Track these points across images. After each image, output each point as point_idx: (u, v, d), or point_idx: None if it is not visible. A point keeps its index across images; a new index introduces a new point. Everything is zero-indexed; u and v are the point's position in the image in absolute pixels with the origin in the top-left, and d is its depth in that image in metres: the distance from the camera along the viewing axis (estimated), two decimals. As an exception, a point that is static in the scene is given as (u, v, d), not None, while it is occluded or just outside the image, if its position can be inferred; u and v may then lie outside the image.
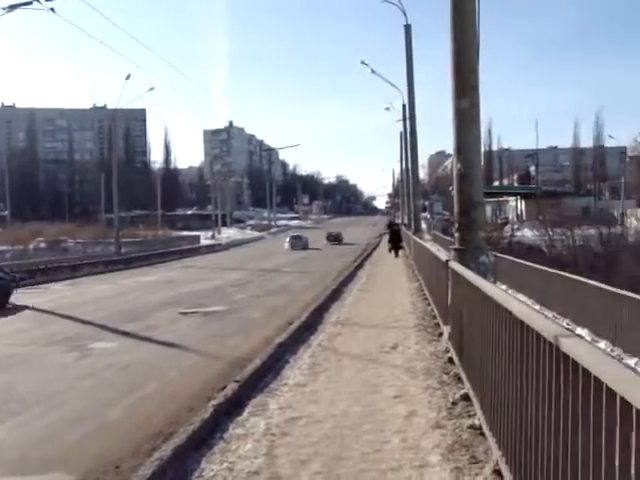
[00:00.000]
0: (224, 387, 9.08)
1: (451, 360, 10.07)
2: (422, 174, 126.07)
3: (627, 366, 10.33)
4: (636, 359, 14.40)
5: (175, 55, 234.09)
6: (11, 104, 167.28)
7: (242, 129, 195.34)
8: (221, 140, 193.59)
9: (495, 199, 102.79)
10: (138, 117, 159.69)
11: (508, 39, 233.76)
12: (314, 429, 7.26)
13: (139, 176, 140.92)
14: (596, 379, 2.89)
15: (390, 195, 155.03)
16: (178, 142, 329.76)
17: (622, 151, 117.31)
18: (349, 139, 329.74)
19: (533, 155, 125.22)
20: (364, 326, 14.70)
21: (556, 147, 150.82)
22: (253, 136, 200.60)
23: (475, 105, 10.87)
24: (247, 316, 18.20)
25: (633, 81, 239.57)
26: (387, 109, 55.25)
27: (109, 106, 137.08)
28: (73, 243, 58.93)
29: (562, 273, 23.27)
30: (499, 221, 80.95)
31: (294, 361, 11.16)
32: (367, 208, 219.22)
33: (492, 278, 23.57)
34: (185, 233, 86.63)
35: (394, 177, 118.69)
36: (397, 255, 41.01)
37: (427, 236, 53.63)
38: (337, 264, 37.32)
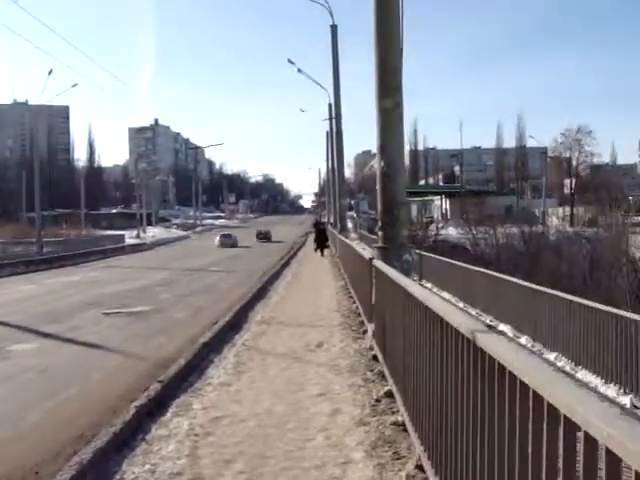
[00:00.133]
0: (147, 388, 8.97)
1: (375, 357, 10.14)
2: (348, 173, 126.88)
3: (546, 360, 10.58)
4: (556, 353, 14.72)
5: (100, 52, 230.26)
6: None
7: (168, 127, 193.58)
8: (146, 138, 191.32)
9: (420, 198, 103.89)
10: (61, 114, 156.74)
11: (435, 41, 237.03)
12: (238, 428, 7.24)
13: (62, 174, 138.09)
14: (511, 374, 2.96)
15: (316, 194, 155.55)
16: (103, 140, 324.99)
17: (543, 151, 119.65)
18: (276, 138, 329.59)
19: (458, 155, 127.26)
20: (289, 325, 14.71)
21: (480, 147, 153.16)
22: (179, 134, 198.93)
23: (398, 105, 10.97)
24: (172, 316, 18.02)
25: (553, 83, 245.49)
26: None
27: (31, 102, 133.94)
28: (-9, 242, 57.39)
29: (485, 271, 23.67)
30: (424, 220, 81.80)
31: (219, 360, 11.10)
32: (293, 207, 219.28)
33: (416, 276, 23.83)
34: (110, 232, 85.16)
35: (320, 176, 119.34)
36: (322, 254, 41.12)
37: (353, 235, 53.89)
38: (263, 263, 37.22)
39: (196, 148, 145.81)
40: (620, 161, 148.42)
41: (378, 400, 7.99)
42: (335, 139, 43.94)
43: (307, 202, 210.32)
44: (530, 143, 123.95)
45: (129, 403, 8.34)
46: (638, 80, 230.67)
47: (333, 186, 53.07)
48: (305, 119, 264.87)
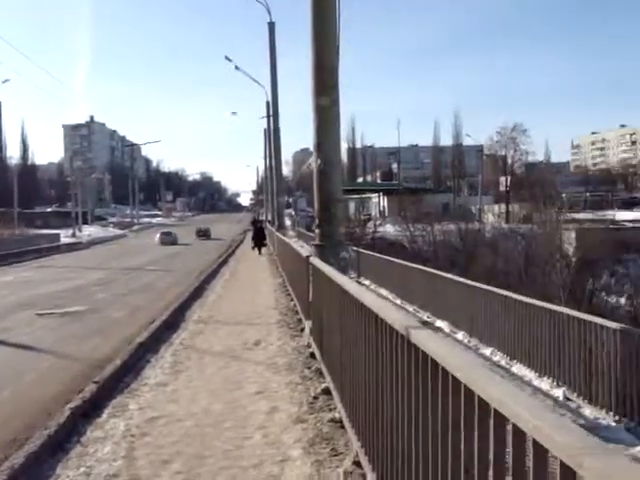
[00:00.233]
0: (82, 389, 8.85)
1: (313, 355, 10.16)
2: (286, 171, 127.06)
3: (482, 355, 10.73)
4: (491, 348, 14.92)
5: (35, 49, 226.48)
6: None
7: (103, 124, 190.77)
8: (82, 135, 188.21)
9: (358, 196, 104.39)
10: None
11: (373, 38, 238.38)
12: (175, 428, 7.18)
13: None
14: (443, 369, 3.00)
15: (255, 192, 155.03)
16: (37, 138, 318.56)
17: (479, 149, 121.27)
18: (214, 135, 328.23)
19: (395, 153, 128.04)
20: (227, 323, 14.66)
21: (417, 145, 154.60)
22: (115, 131, 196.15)
23: (335, 103, 11.02)
24: (109, 316, 17.80)
25: (489, 82, 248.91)
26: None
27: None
28: None
29: (423, 268, 23.88)
30: (362, 217, 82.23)
31: (155, 360, 11.01)
32: (231, 205, 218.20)
33: (354, 273, 23.92)
34: (44, 231, 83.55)
35: (258, 174, 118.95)
36: (260, 252, 41.05)
37: (291, 232, 53.88)
38: (201, 261, 37.00)
39: (132, 145, 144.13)
40: (554, 159, 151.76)
41: (316, 397, 8.01)
42: (273, 137, 43.92)
43: (245, 200, 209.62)
44: (466, 141, 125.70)
45: (63, 405, 8.21)
46: (571, 80, 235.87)
47: (271, 184, 53.07)
48: (243, 117, 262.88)
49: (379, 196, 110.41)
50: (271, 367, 10.07)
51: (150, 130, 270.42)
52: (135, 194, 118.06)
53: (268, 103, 45.91)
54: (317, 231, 11.15)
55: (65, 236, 78.88)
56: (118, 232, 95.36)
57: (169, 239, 63.39)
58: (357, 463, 5.55)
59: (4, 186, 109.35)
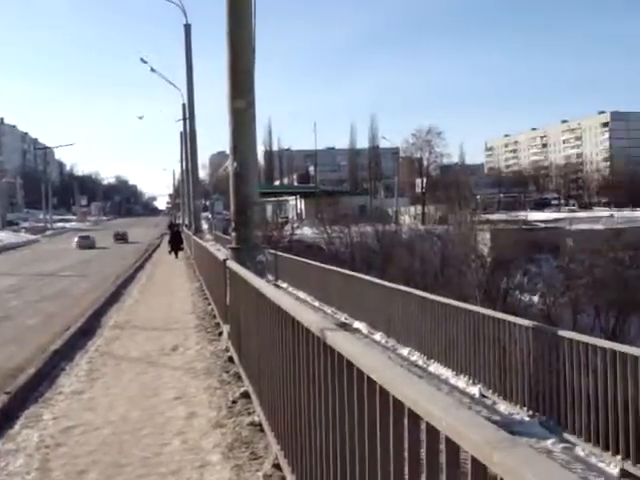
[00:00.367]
0: (-6, 400, 8.63)
1: (231, 359, 10.13)
2: (203, 174, 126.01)
3: (400, 355, 10.84)
4: (409, 348, 15.09)
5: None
6: None
7: (14, 126, 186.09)
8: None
9: (275, 198, 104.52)
10: None
11: (290, 40, 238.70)
12: (91, 437, 7.05)
13: None
14: (359, 370, 3.03)
15: (171, 195, 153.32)
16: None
17: (395, 151, 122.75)
18: (129, 138, 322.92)
19: (312, 155, 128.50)
20: (144, 328, 14.47)
21: (334, 148, 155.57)
22: (27, 134, 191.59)
23: (251, 105, 11.00)
24: (22, 323, 17.36)
25: (404, 85, 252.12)
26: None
27: None
28: None
29: (340, 269, 23.99)
30: (279, 220, 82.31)
31: (70, 368, 10.80)
32: (148, 209, 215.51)
33: (271, 276, 23.87)
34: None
35: (175, 177, 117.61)
36: (177, 256, 40.64)
37: (208, 236, 53.54)
38: (117, 266, 36.44)
39: (45, 149, 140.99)
40: (468, 161, 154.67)
41: (234, 401, 7.99)
42: (189, 140, 43.54)
43: (162, 204, 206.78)
44: (382, 144, 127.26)
45: (-26, 418, 7.99)
46: (484, 83, 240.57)
47: (187, 187, 52.53)
48: (159, 119, 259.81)
49: (296, 199, 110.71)
50: (189, 372, 9.99)
51: (64, 132, 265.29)
52: (48, 198, 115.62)
53: (184, 105, 45.52)
54: (234, 234, 11.11)
55: (-25, 242, 76.60)
56: (31, 237, 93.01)
57: (87, 243, 63.63)
58: (277, 466, 5.55)
59: None
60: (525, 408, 10.67)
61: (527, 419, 10.39)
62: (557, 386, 10.03)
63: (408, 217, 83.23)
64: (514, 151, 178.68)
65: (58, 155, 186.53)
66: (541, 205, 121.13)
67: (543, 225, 67.83)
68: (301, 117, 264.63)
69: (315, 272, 25.35)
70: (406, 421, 2.52)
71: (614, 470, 8.49)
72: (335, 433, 3.58)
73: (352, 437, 3.25)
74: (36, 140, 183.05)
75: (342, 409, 3.40)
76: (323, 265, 25.77)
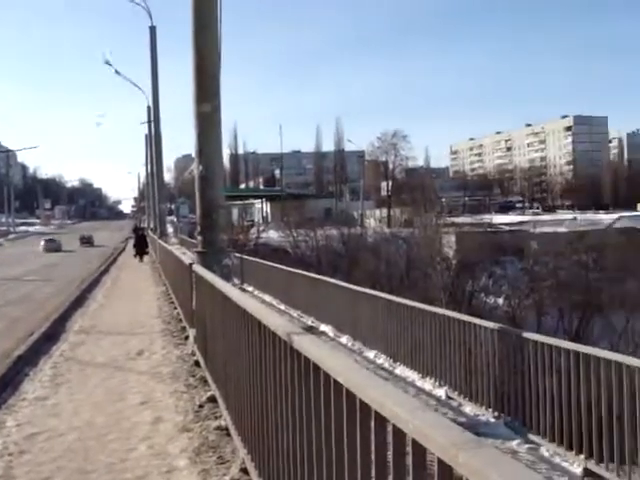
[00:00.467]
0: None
1: (197, 363, 10.09)
2: (168, 177, 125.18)
3: (366, 358, 10.87)
4: (375, 351, 15.13)
5: None
6: None
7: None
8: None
9: (241, 202, 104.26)
10: None
11: (256, 44, 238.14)
12: (56, 443, 6.99)
13: None
14: (325, 374, 3.04)
15: (136, 199, 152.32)
16: None
17: (361, 155, 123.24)
18: (94, 141, 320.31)
19: (278, 159, 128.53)
20: (109, 333, 14.37)
21: (300, 151, 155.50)
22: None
23: (217, 109, 10.98)
24: (-16, 329, 17.16)
25: (370, 88, 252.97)
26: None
27: None
28: None
29: (305, 273, 24.00)
30: (245, 223, 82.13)
31: (34, 374, 10.69)
32: (113, 212, 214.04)
33: (237, 280, 23.79)
34: None
35: (140, 180, 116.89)
36: (142, 260, 40.41)
37: (174, 240, 53.30)
38: (82, 270, 36.16)
39: (7, 152, 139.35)
40: (433, 165, 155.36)
41: (201, 406, 7.96)
42: (154, 142, 43.29)
43: (127, 207, 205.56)
44: (348, 147, 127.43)
45: None
46: (448, 88, 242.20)
47: (153, 191, 52.24)
48: (124, 122, 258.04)
49: (262, 202, 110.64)
50: (155, 376, 9.94)
51: (27, 135, 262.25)
52: (11, 202, 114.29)
53: (149, 108, 45.26)
54: (199, 238, 11.07)
55: None
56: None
57: (53, 246, 64.95)
58: (244, 470, 5.55)
59: None
60: (490, 409, 10.75)
61: (492, 420, 10.46)
62: (522, 387, 10.12)
63: (374, 220, 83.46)
64: (479, 154, 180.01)
65: (21, 158, 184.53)
66: (506, 208, 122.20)
67: (508, 228, 68.36)
68: (267, 120, 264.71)
69: (281, 275, 25.33)
70: (373, 424, 2.54)
71: (577, 469, 8.58)
72: (302, 436, 3.59)
73: (319, 440, 3.26)
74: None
75: (309, 412, 3.41)
76: (289, 268, 25.75)
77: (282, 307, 22.41)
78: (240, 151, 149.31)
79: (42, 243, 65.84)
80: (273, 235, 70.12)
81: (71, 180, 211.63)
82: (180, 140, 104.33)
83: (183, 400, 8.44)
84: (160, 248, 30.85)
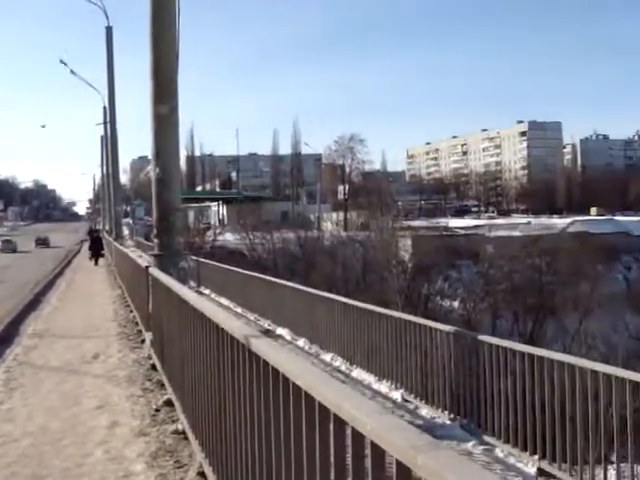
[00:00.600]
0: None
1: (154, 367, 10.03)
2: (124, 179, 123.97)
3: (323, 361, 10.89)
4: (332, 354, 15.17)
5: None
6: None
7: None
8: None
9: (197, 204, 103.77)
10: None
11: (212, 44, 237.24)
12: (10, 449, 6.89)
13: None
14: (284, 377, 3.06)
15: (91, 200, 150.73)
16: None
17: (318, 158, 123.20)
18: (48, 142, 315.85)
19: (234, 161, 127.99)
20: (63, 336, 14.21)
21: (256, 154, 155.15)
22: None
23: (174, 111, 10.93)
24: None
25: (327, 92, 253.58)
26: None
27: None
28: None
29: (261, 276, 23.98)
30: (201, 226, 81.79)
31: (-14, 379, 10.53)
32: (67, 214, 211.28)
33: (194, 283, 23.71)
34: None
35: (95, 182, 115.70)
36: (97, 263, 39.99)
37: (129, 242, 52.79)
38: (36, 273, 35.71)
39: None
40: (390, 168, 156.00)
41: (158, 409, 7.92)
42: (110, 144, 42.91)
43: (82, 209, 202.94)
44: (305, 150, 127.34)
45: None
46: (405, 92, 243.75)
47: (108, 192, 51.76)
48: (79, 122, 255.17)
49: (218, 205, 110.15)
50: (111, 380, 9.86)
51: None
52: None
53: (105, 109, 44.84)
54: (156, 241, 11.01)
55: None
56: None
57: (10, 246, 68.22)
58: (202, 474, 5.53)
59: None
60: (446, 412, 10.84)
61: (448, 422, 10.55)
62: (477, 390, 10.22)
63: (330, 223, 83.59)
64: (435, 159, 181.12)
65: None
66: (461, 212, 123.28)
67: (463, 232, 69.07)
68: (224, 122, 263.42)
69: (238, 278, 25.28)
70: (332, 426, 2.56)
71: (532, 469, 8.70)
72: (261, 439, 3.60)
73: (278, 443, 3.27)
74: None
75: (267, 415, 3.42)
76: (246, 271, 25.73)
77: (239, 310, 22.37)
78: (197, 153, 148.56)
79: None
80: (230, 238, 69.95)
81: (25, 181, 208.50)
82: (136, 141, 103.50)
83: (139, 404, 8.38)
84: (116, 251, 30.59)
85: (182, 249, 11.20)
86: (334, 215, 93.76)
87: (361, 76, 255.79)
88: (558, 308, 44.04)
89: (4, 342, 13.77)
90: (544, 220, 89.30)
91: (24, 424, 7.79)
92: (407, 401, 11.89)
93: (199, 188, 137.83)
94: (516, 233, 65.43)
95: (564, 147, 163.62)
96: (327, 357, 15.16)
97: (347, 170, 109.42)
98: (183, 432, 6.74)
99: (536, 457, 8.79)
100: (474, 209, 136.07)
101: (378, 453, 2.17)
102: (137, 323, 14.64)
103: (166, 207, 10.79)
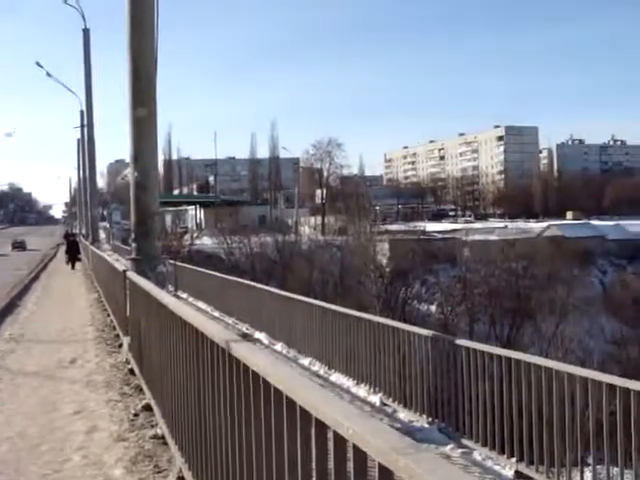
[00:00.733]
0: None
1: (132, 371, 10.00)
2: (101, 182, 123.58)
3: (301, 366, 10.89)
4: (310, 358, 15.17)
5: None
6: None
7: None
8: None
9: (174, 208, 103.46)
10: None
11: (190, 48, 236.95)
12: (-13, 454, 6.85)
13: None
14: (265, 381, 3.07)
15: (67, 204, 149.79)
16: None
17: (295, 162, 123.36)
18: (23, 145, 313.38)
19: (212, 165, 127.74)
20: (40, 341, 14.12)
21: (234, 157, 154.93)
22: None
23: (152, 114, 10.90)
24: None
25: (305, 96, 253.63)
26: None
27: None
28: None
29: (239, 280, 23.94)
30: (179, 230, 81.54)
31: (-38, 384, 10.44)
32: (43, 217, 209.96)
33: (171, 287, 23.63)
34: None
35: (71, 185, 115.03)
36: (74, 267, 39.72)
37: (107, 246, 52.62)
38: (11, 277, 35.38)
39: None
40: (368, 173, 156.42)
41: (136, 414, 7.90)
42: (87, 147, 42.67)
43: (58, 212, 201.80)
44: (283, 154, 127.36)
45: None
46: (383, 96, 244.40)
47: (85, 196, 51.48)
48: (55, 125, 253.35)
49: (196, 208, 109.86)
50: (89, 385, 9.81)
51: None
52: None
53: (82, 112, 44.59)
54: (134, 245, 10.96)
55: None
56: None
57: None
58: (181, 478, 5.52)
59: None
60: (424, 415, 10.87)
61: (426, 426, 10.58)
62: (455, 393, 10.27)
63: (308, 228, 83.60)
64: (412, 163, 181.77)
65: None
66: (438, 216, 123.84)
67: (440, 236, 69.33)
68: (201, 125, 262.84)
69: (215, 282, 25.22)
70: (313, 430, 2.57)
71: (509, 472, 8.75)
72: (241, 444, 3.60)
73: (259, 447, 3.28)
74: None
75: (248, 420, 3.43)
76: (223, 275, 25.68)
77: (216, 314, 22.30)
78: (174, 156, 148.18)
79: None
80: (207, 242, 69.79)
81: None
82: (113, 144, 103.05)
83: (118, 409, 8.35)
84: (92, 255, 30.43)
85: (160, 253, 11.18)
86: (312, 219, 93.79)
87: (339, 80, 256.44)
88: (535, 312, 44.31)
89: (-21, 347, 13.64)
90: (521, 224, 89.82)
91: (1, 429, 7.74)
92: (385, 405, 11.91)
93: (176, 192, 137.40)
94: (493, 237, 65.78)
95: (540, 152, 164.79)
96: (305, 361, 15.15)
97: (325, 174, 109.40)
98: (162, 437, 6.73)
99: (514, 460, 8.84)
100: (451, 213, 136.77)
101: (360, 456, 2.19)
102: (114, 327, 14.57)
103: (144, 211, 10.75)
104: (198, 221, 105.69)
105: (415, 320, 34.80)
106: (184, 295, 27.47)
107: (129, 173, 11.48)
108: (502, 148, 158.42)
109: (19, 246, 75.07)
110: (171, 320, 5.63)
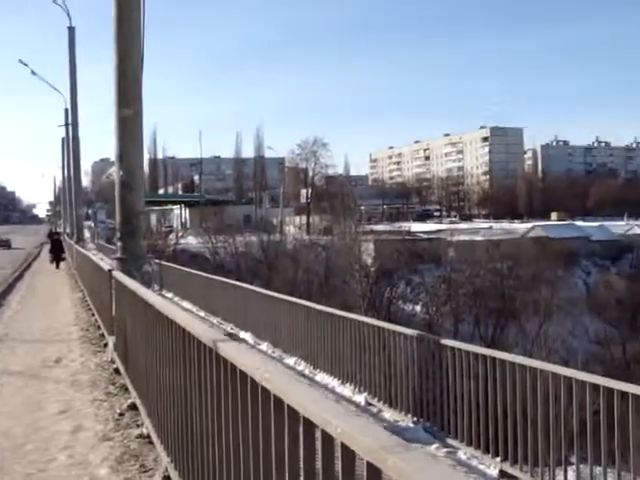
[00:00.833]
0: None
1: (117, 371, 9.97)
2: (86, 181, 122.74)
3: (286, 365, 10.88)
4: (295, 358, 15.18)
5: None
6: None
7: None
8: None
9: (160, 207, 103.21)
10: None
11: (176, 47, 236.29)
12: (-29, 454, 6.82)
13: None
14: (252, 380, 3.07)
15: (52, 203, 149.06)
16: None
17: (281, 162, 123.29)
18: (6, 142, 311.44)
19: (197, 164, 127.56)
20: (24, 341, 14.06)
21: (219, 157, 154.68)
22: None
23: (138, 114, 10.88)
24: None
25: (291, 96, 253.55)
26: None
27: None
28: None
29: (225, 279, 23.91)
30: (164, 229, 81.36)
31: (-55, 384, 10.38)
32: (27, 216, 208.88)
33: (157, 286, 23.58)
34: None
35: (56, 184, 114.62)
36: (58, 266, 39.52)
37: (91, 245, 52.42)
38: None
39: None
40: (353, 172, 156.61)
41: (122, 414, 7.88)
42: (72, 146, 42.48)
43: (42, 211, 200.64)
44: (268, 154, 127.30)
45: None
46: (369, 97, 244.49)
47: (69, 195, 51.25)
48: (39, 123, 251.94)
49: (181, 208, 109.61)
50: (74, 385, 9.77)
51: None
52: None
53: (67, 111, 44.39)
54: (119, 244, 10.93)
55: None
56: None
57: None
58: (167, 478, 5.51)
59: None
60: (410, 415, 10.90)
61: (412, 425, 10.61)
62: (440, 393, 10.31)
63: (293, 227, 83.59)
64: (398, 163, 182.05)
65: None
66: (424, 216, 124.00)
67: (425, 236, 69.45)
68: (186, 125, 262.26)
69: (200, 282, 25.19)
70: (301, 429, 2.58)
71: (494, 471, 8.79)
72: (228, 443, 3.60)
73: (246, 447, 3.28)
74: None
75: (235, 419, 3.43)
76: (208, 275, 25.65)
77: (202, 314, 22.27)
78: (159, 156, 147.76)
79: None
80: (192, 241, 69.67)
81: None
82: (98, 143, 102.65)
83: (103, 408, 8.33)
84: (77, 254, 30.31)
85: (145, 252, 11.16)
86: (297, 219, 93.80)
87: (325, 80, 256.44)
88: (519, 312, 44.52)
89: (-37, 346, 13.57)
90: (505, 225, 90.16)
91: (-15, 430, 7.70)
92: (370, 404, 11.93)
93: (161, 191, 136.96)
94: (478, 238, 65.98)
95: (525, 152, 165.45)
96: (290, 361, 15.16)
97: (310, 174, 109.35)
98: (148, 436, 6.72)
99: (498, 459, 8.89)
100: (436, 214, 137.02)
101: (348, 455, 2.20)
102: (99, 327, 14.52)
103: (130, 210, 10.73)
104: (183, 220, 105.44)
105: (400, 320, 34.87)
106: (169, 295, 27.39)
107: (114, 172, 11.45)
108: (487, 149, 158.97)
109: (4, 244, 74.78)
110: (157, 319, 5.62)
